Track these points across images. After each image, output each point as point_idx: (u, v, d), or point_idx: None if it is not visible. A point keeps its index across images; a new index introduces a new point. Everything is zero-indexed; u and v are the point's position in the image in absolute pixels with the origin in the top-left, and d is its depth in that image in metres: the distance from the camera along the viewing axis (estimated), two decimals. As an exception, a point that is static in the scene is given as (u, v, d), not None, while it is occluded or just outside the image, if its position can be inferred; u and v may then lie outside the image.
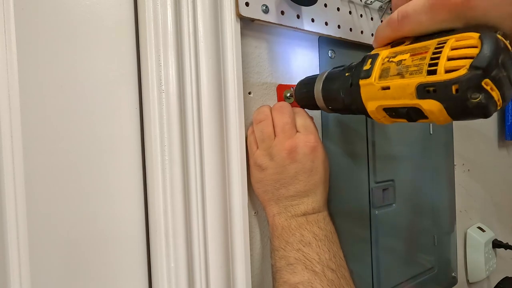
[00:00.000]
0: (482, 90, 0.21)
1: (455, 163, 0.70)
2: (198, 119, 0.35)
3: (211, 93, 0.36)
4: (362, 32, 0.49)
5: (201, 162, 0.36)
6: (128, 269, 0.35)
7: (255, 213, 0.41)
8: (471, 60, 0.22)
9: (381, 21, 0.52)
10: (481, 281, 0.74)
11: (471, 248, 0.72)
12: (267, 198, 0.38)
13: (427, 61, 0.24)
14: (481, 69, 0.21)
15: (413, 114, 0.26)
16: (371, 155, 0.52)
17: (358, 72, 0.30)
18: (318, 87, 0.36)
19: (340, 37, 0.47)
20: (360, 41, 0.49)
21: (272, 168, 0.37)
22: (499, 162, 0.85)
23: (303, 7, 0.42)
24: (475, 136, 0.77)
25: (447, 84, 0.22)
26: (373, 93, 0.29)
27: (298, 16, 0.42)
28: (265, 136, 0.37)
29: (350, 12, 0.48)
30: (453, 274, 0.68)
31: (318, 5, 0.43)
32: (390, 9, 0.53)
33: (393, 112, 0.28)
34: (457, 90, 0.22)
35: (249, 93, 0.41)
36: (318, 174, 0.38)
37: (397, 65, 0.26)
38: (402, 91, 0.26)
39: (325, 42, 0.47)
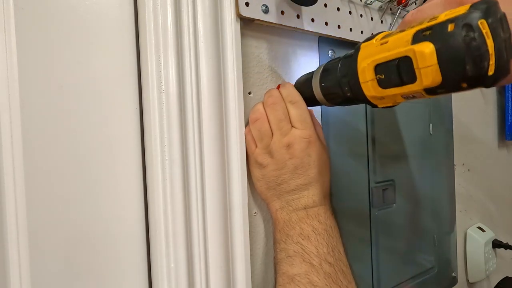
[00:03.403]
0: (477, 29, 0.22)
1: (455, 163, 0.70)
2: (198, 119, 0.35)
3: (211, 93, 0.36)
4: (362, 32, 0.49)
5: (201, 162, 0.36)
6: (128, 269, 0.35)
7: (255, 213, 0.41)
8: (469, 5, 0.22)
9: (381, 21, 0.52)
10: (481, 281, 0.74)
11: (471, 248, 0.72)
12: (270, 194, 0.39)
13: (429, 18, 0.25)
14: (479, 10, 0.22)
15: (404, 68, 0.25)
16: (371, 155, 0.52)
17: (359, 45, 0.31)
18: (316, 82, 0.37)
19: (340, 37, 0.47)
20: (360, 41, 0.49)
21: (273, 164, 0.37)
22: (499, 162, 0.85)
23: (303, 7, 0.42)
24: (475, 136, 0.77)
25: (444, 23, 0.23)
26: (370, 51, 0.29)
27: (298, 16, 0.42)
28: (263, 134, 0.37)
29: (350, 12, 0.48)
30: (453, 274, 0.68)
31: (318, 5, 0.43)
32: (390, 9, 0.53)
33: (383, 71, 0.27)
34: (452, 28, 0.22)
35: (249, 93, 0.41)
36: (317, 167, 0.38)
37: (399, 30, 0.27)
38: (399, 41, 0.26)
39: (325, 42, 0.47)
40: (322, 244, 0.36)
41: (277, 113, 0.37)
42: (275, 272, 0.37)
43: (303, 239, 0.36)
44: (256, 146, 0.38)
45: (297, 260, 0.35)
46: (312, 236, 0.36)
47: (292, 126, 0.38)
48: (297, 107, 0.38)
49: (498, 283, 0.82)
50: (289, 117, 0.38)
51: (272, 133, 0.37)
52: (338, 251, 0.37)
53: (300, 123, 0.38)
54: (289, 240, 0.36)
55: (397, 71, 0.26)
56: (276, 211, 0.39)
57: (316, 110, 0.47)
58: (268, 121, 0.38)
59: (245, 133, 0.39)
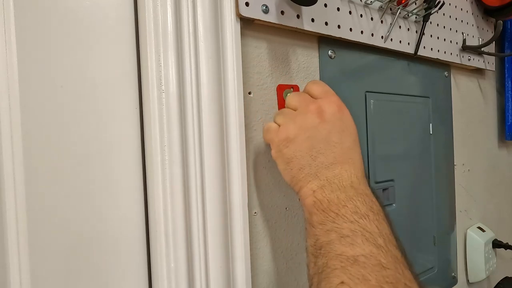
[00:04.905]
0: None
1: (455, 163, 0.70)
2: (198, 119, 0.35)
3: (211, 93, 0.36)
4: (362, 32, 0.49)
5: (201, 162, 0.36)
6: (128, 269, 0.35)
7: (255, 213, 0.41)
8: None
9: (381, 21, 0.52)
10: (481, 281, 0.73)
11: (471, 248, 0.72)
12: (304, 174, 0.34)
13: None
14: None
15: None
16: (371, 155, 0.52)
17: None
18: None
19: (340, 37, 0.47)
20: (360, 41, 0.49)
21: (302, 134, 0.34)
22: (499, 162, 0.85)
23: (303, 7, 0.42)
24: (475, 136, 0.77)
25: None
26: None
27: (298, 16, 0.42)
28: (287, 112, 0.36)
29: (350, 12, 0.48)
30: (453, 274, 0.68)
31: (318, 5, 0.43)
32: (390, 9, 0.53)
33: None
34: None
35: (249, 93, 0.41)
36: (352, 135, 0.35)
37: None
38: None
39: (325, 42, 0.47)
40: (382, 225, 0.30)
41: (301, 95, 0.37)
42: (321, 256, 0.30)
43: (360, 218, 0.30)
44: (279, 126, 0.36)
45: (358, 239, 0.29)
46: (371, 215, 0.30)
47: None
48: (317, 83, 0.37)
49: (498, 283, 0.82)
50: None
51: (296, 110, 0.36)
52: (397, 238, 0.31)
53: (324, 93, 0.36)
54: (340, 219, 0.30)
55: None
56: (314, 192, 0.33)
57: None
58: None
59: (268, 129, 0.37)
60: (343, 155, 0.34)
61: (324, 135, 0.34)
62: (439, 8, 0.55)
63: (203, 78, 0.35)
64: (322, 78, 0.47)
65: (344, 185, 0.33)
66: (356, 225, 0.30)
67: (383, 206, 0.33)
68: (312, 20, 0.43)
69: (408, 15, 0.55)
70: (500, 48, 0.83)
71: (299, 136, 0.34)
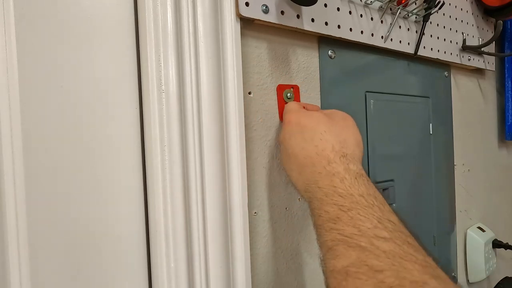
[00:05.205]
0: None
1: (455, 163, 0.70)
2: (198, 119, 0.35)
3: (211, 93, 0.36)
4: (362, 32, 0.49)
5: (201, 162, 0.36)
6: (128, 269, 0.35)
7: (255, 213, 0.41)
8: None
9: (381, 21, 0.52)
10: (481, 281, 0.74)
11: (471, 248, 0.72)
12: (303, 190, 0.36)
13: None
14: None
15: None
16: (371, 155, 0.52)
17: None
18: None
19: (340, 37, 0.47)
20: (360, 41, 0.49)
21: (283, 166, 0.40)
22: (499, 162, 0.85)
23: (303, 7, 0.42)
24: (475, 136, 0.77)
25: None
26: None
27: (298, 16, 0.42)
28: None
29: (350, 12, 0.48)
30: (453, 274, 0.68)
31: (318, 5, 0.43)
32: (390, 9, 0.53)
33: None
34: None
35: (249, 93, 0.41)
36: (298, 137, 0.36)
37: None
38: None
39: (325, 42, 0.47)
40: (360, 220, 0.27)
41: None
42: (324, 274, 0.29)
43: (334, 223, 0.28)
44: None
45: (340, 248, 0.27)
46: (343, 216, 0.28)
47: None
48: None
49: (498, 283, 0.82)
50: None
51: None
52: (390, 221, 0.28)
53: None
54: (321, 230, 0.30)
55: None
56: (309, 205, 0.34)
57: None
58: None
59: None
60: (302, 162, 0.35)
61: (285, 154, 0.38)
62: (439, 8, 0.55)
63: (203, 78, 0.35)
64: (322, 78, 0.47)
65: (313, 190, 0.32)
66: (333, 233, 0.28)
67: (362, 194, 0.30)
68: (312, 20, 0.43)
69: (408, 15, 0.55)
70: (500, 48, 0.83)
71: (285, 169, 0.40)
